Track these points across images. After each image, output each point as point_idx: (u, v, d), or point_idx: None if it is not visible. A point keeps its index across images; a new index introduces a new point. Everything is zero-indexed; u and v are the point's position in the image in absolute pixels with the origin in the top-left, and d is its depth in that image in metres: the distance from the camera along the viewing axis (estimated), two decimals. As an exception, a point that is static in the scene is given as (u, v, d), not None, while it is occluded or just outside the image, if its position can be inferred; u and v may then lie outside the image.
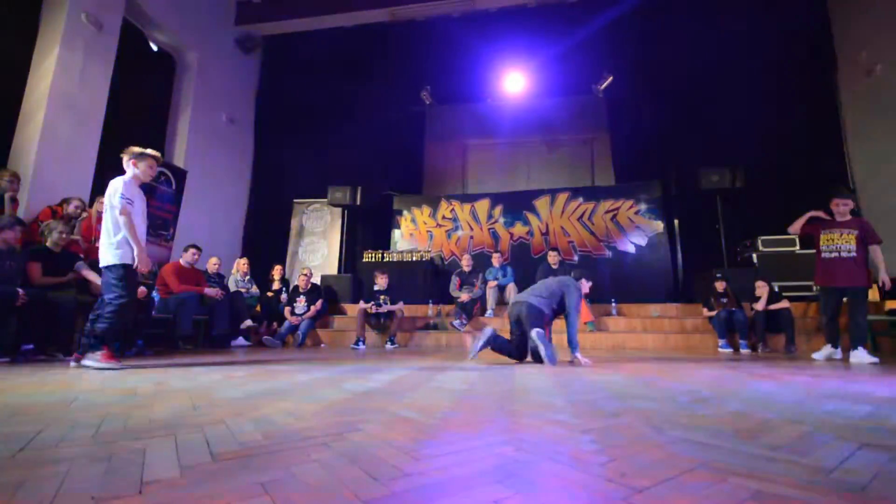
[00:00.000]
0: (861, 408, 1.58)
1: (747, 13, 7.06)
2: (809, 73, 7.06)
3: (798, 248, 6.13)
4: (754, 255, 6.20)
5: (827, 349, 3.97)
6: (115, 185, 2.99)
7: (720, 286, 5.14)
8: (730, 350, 4.75)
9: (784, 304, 4.82)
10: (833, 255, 3.89)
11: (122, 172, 3.10)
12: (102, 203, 4.47)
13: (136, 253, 2.95)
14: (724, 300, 5.03)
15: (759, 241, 6.25)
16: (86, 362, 2.80)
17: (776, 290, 5.04)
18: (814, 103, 7.00)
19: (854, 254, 3.81)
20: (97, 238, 4.36)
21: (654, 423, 1.35)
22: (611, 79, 7.86)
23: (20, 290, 3.21)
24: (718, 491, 0.80)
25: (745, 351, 4.66)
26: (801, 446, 1.09)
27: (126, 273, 2.93)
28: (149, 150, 3.17)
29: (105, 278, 2.95)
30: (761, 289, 4.97)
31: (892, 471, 0.91)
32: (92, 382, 2.16)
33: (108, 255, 2.94)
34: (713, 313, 5.06)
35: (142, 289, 4.27)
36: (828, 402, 1.70)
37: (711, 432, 1.23)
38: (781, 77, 7.14)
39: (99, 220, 4.62)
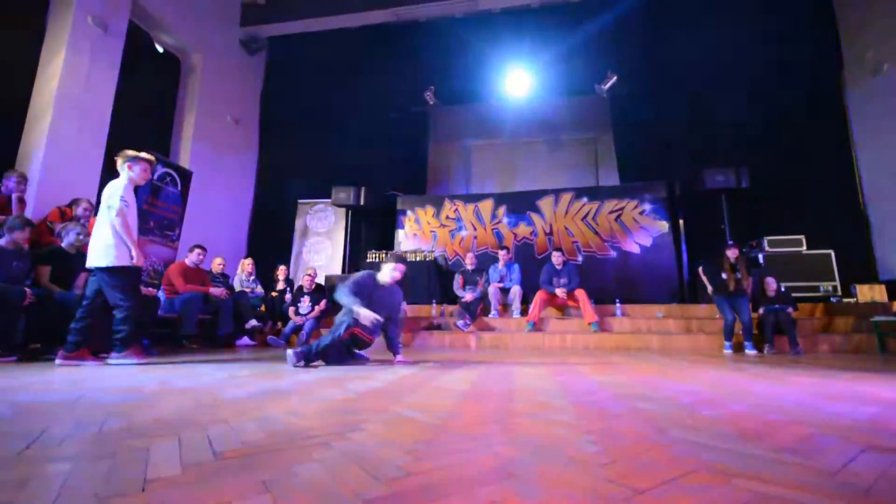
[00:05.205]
0: (866, 409, 1.57)
1: (752, 12, 7.03)
2: (815, 73, 7.02)
3: (805, 248, 6.08)
4: (760, 256, 6.16)
5: None
6: (114, 188, 3.13)
7: (732, 255, 4.75)
8: (733, 352, 4.70)
9: (790, 308, 4.78)
10: None
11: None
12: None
13: (133, 252, 3.09)
14: (738, 275, 4.69)
15: (766, 242, 6.21)
16: (111, 361, 3.05)
17: (783, 289, 5.01)
18: (819, 103, 6.94)
19: None
20: None
21: (656, 424, 1.34)
22: (615, 78, 7.82)
23: (28, 290, 3.24)
24: (720, 493, 0.80)
25: (750, 352, 4.62)
26: (804, 448, 1.08)
27: (126, 276, 3.10)
28: (143, 154, 3.26)
29: (104, 281, 3.07)
30: (770, 285, 4.95)
31: (896, 473, 0.90)
32: (96, 381, 2.18)
33: (103, 256, 3.04)
34: (725, 285, 4.69)
35: (150, 289, 4.31)
36: (833, 404, 1.68)
37: (714, 434, 1.22)
38: (787, 76, 7.09)
39: None
